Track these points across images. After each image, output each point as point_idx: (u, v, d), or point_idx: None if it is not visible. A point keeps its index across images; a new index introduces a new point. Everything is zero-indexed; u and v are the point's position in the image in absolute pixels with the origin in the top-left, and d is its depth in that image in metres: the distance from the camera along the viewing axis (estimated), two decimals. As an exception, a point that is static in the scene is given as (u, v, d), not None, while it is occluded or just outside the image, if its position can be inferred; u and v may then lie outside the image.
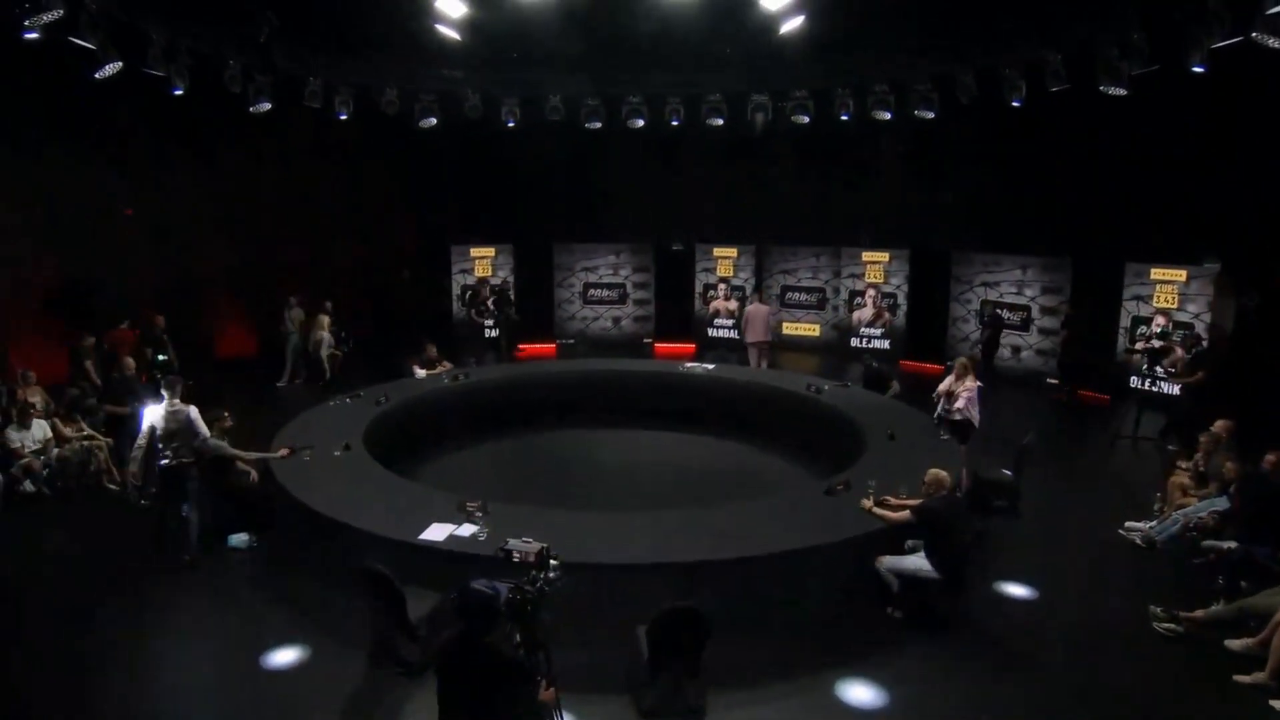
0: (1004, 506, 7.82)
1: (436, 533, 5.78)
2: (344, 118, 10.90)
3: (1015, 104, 9.69)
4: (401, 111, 11.40)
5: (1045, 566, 6.72)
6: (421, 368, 10.74)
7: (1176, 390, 10.64)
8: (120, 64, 7.77)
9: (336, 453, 7.46)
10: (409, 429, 9.18)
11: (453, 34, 8.76)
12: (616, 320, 16.07)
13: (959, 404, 7.97)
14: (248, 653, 5.38)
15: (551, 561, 3.96)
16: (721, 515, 6.21)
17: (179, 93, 8.80)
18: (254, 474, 7.51)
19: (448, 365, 11.13)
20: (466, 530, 5.82)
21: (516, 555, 3.74)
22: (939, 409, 8.24)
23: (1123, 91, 8.43)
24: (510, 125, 12.09)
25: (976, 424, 8.07)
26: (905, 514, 5.82)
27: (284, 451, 7.40)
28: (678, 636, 4.64)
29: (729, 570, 5.47)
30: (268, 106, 9.77)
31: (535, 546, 3.74)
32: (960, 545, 5.79)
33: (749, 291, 15.11)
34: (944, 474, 5.97)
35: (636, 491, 8.30)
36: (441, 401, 9.93)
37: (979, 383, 8.14)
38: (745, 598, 5.52)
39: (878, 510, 5.98)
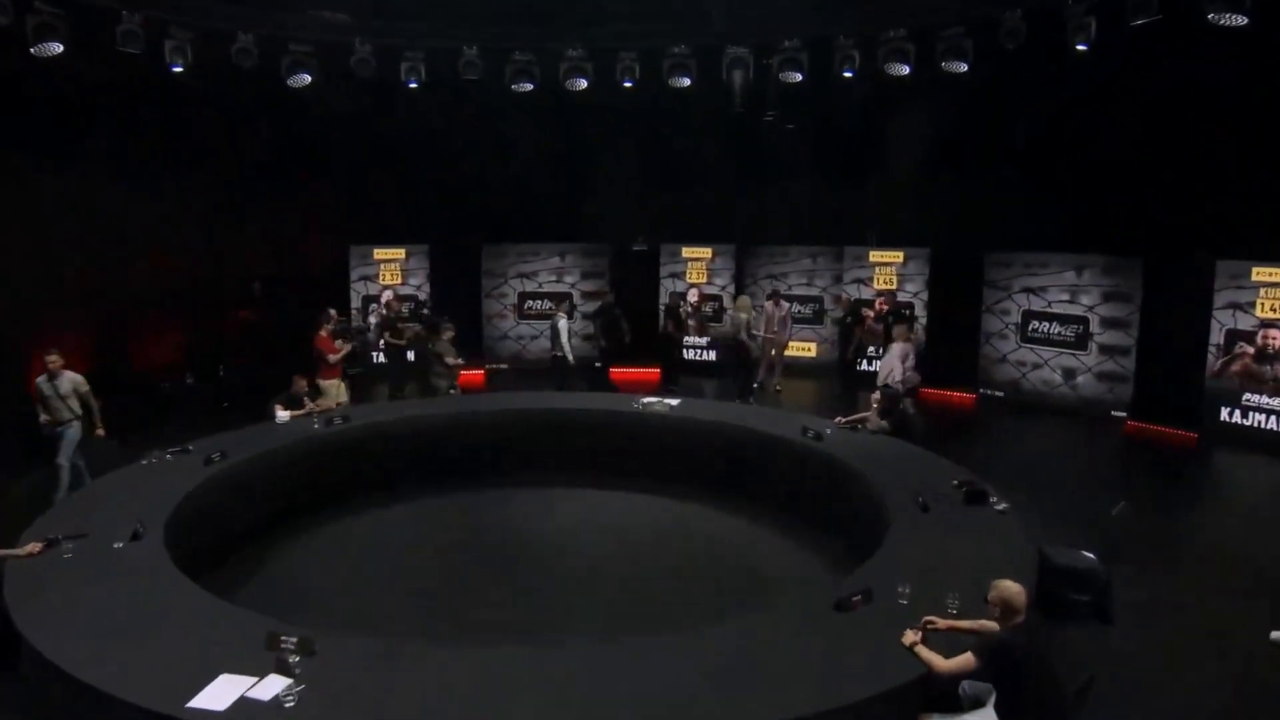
0: (1087, 605, 6.36)
1: (220, 693, 4.18)
2: (179, 70, 9.51)
3: (1081, 47, 8.63)
4: (264, 67, 10.10)
5: (1160, 702, 5.34)
6: (285, 408, 9.19)
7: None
8: None
9: (118, 544, 5.87)
10: (247, 500, 7.69)
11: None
12: (561, 339, 15.04)
13: None
14: None
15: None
16: (682, 652, 4.69)
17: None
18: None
19: (324, 404, 9.61)
20: (269, 688, 4.22)
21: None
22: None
23: (1242, 20, 7.22)
24: (413, 86, 11.03)
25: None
26: (966, 659, 4.32)
27: (34, 547, 5.71)
28: None
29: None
30: (59, 49, 8.26)
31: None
32: (1053, 700, 4.26)
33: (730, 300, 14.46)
34: (1018, 590, 4.48)
35: (566, 594, 6.86)
36: (305, 457, 8.46)
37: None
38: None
39: (924, 653, 4.46)
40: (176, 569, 5.63)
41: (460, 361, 11.14)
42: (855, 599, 5.11)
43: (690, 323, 14.51)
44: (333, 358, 10.41)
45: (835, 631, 4.84)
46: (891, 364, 10.15)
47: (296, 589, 6.78)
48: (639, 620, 6.14)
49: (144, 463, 7.63)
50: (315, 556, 7.61)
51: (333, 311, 11.88)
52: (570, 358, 12.14)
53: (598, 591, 6.95)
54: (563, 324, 12.05)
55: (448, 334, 11.10)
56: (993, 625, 4.54)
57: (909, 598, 5.07)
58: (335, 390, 10.49)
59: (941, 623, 4.76)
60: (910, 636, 4.61)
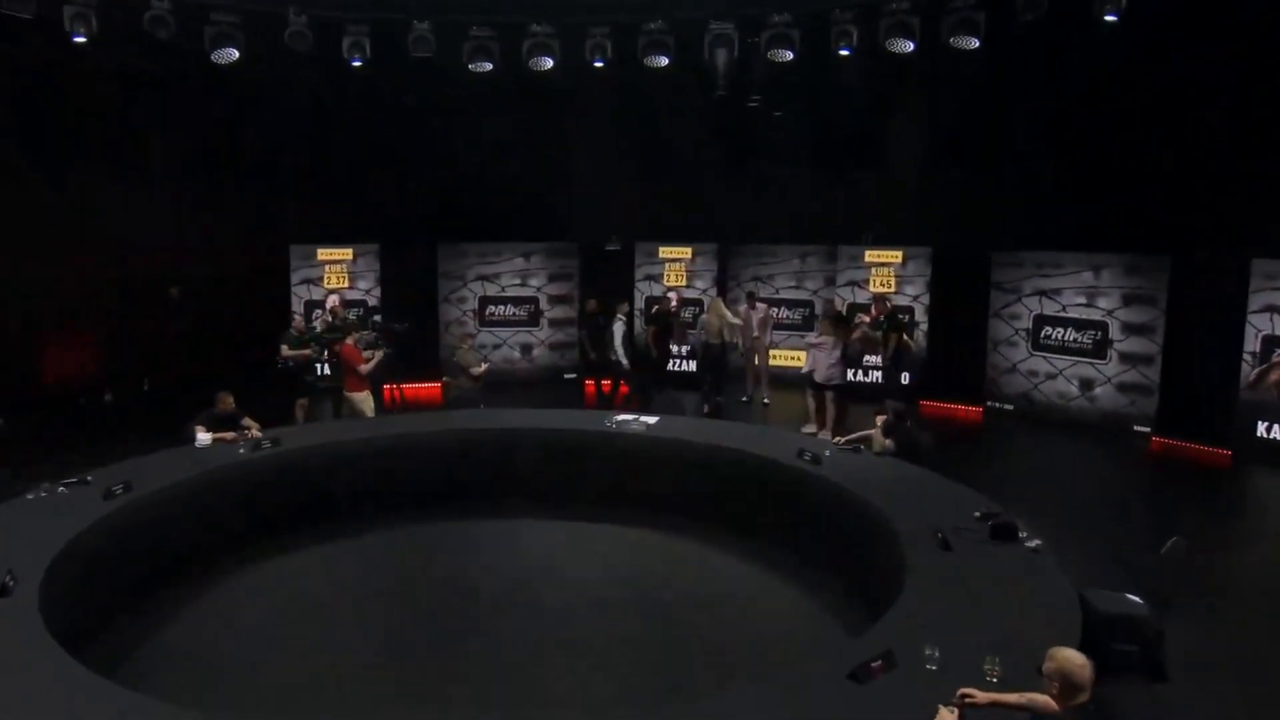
0: (1137, 658, 5.78)
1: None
2: (80, 40, 9.06)
3: (1110, 17, 8.33)
4: (184, 38, 9.68)
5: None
6: (206, 430, 8.53)
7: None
8: None
9: (-23, 603, 5.20)
10: (153, 542, 7.06)
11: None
12: (527, 349, 14.89)
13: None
14: None
15: None
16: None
17: None
18: None
19: (255, 429, 8.92)
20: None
21: None
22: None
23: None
24: (357, 64, 10.67)
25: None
26: (1022, 751, 3.67)
27: None
28: None
29: None
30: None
31: None
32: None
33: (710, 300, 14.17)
34: (1082, 662, 3.91)
35: (535, 656, 6.34)
36: (226, 489, 7.88)
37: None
38: None
39: (967, 738, 3.81)
40: (49, 634, 4.95)
41: (486, 367, 11.43)
42: (875, 665, 4.51)
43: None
44: (363, 368, 10.36)
45: (854, 708, 4.26)
46: (813, 359, 10.86)
47: (207, 656, 6.15)
48: (621, 689, 5.75)
49: (29, 497, 6.92)
50: (233, 612, 6.95)
51: (298, 317, 11.91)
52: (625, 361, 12.51)
53: (573, 651, 6.41)
54: (618, 327, 12.49)
55: (467, 342, 11.62)
56: (1045, 699, 3.96)
57: (936, 660, 4.49)
58: (366, 403, 10.43)
59: (981, 696, 4.14)
60: (947, 717, 3.99)
